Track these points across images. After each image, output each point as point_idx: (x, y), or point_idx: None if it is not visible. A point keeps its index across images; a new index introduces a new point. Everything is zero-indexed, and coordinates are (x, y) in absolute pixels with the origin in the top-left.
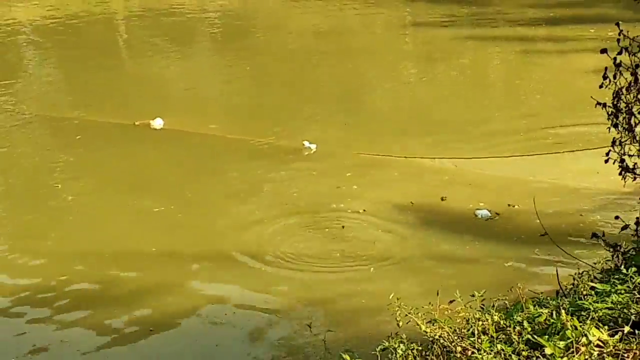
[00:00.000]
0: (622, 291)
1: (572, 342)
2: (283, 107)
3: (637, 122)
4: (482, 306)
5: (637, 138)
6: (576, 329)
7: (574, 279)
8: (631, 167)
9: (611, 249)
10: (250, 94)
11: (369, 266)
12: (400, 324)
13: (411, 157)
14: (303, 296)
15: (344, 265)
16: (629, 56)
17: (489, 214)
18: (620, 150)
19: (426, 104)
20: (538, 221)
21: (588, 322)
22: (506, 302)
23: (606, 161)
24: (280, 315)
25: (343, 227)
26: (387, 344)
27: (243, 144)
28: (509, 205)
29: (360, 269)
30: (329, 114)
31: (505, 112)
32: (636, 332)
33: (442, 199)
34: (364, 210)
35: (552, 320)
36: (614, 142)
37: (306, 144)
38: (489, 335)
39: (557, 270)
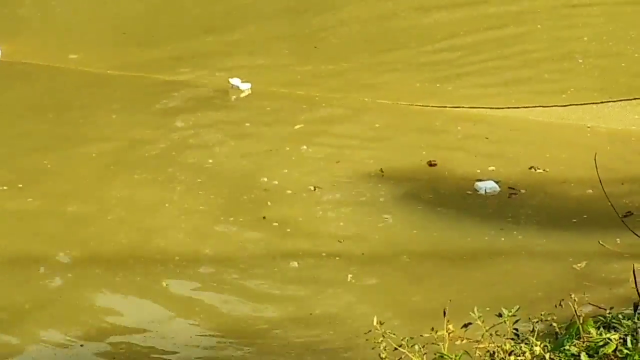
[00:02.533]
0: None
1: None
2: (194, 26)
3: None
4: (515, 331)
5: None
6: None
7: None
8: None
9: None
10: (138, 5)
11: (339, 274)
12: None
13: (391, 102)
14: (233, 328)
15: (300, 276)
16: None
17: (497, 187)
18: None
19: (414, 17)
20: (590, 191)
21: None
22: (553, 323)
23: None
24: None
25: (263, 218)
26: None
27: (128, 83)
28: (531, 168)
29: (322, 279)
30: (272, 35)
31: (545, 24)
32: None
33: (430, 164)
34: (316, 188)
35: (625, 352)
36: None
37: (234, 82)
38: None
39: (633, 271)
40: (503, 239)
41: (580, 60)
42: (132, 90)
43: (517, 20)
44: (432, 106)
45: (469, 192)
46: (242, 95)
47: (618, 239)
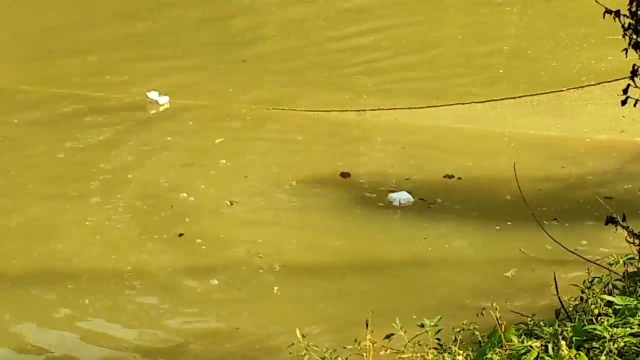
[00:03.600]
0: None
1: None
2: (110, 39)
3: None
4: (437, 341)
5: None
6: None
7: (582, 291)
8: None
9: (637, 241)
10: (49, 18)
11: (262, 288)
12: None
13: (310, 110)
14: (157, 349)
15: (222, 292)
16: None
17: (410, 198)
18: None
19: (335, 28)
20: (508, 197)
21: (603, 358)
22: (475, 332)
23: (624, 102)
24: None
25: (181, 235)
26: None
27: (47, 98)
28: (446, 176)
29: (246, 294)
30: (191, 49)
31: (460, 31)
32: None
33: (342, 176)
34: (233, 203)
35: (547, 359)
36: (635, 72)
37: (152, 96)
38: None
39: (555, 278)
40: (430, 248)
41: (501, 71)
42: (52, 106)
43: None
44: (352, 110)
45: (380, 205)
46: (161, 109)
47: (548, 246)
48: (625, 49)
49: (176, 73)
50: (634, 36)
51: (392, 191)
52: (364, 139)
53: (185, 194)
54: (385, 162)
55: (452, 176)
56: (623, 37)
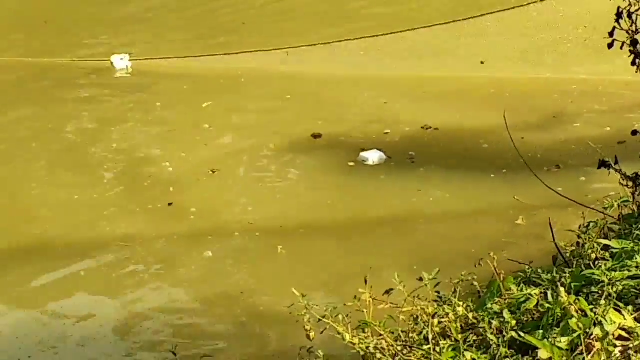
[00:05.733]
0: None
1: (579, 336)
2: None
3: None
4: (437, 293)
5: None
6: (585, 315)
7: (578, 236)
8: None
9: (630, 183)
10: None
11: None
12: (312, 334)
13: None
14: (156, 306)
15: (219, 259)
16: None
17: (383, 156)
18: (631, 26)
19: None
20: (486, 146)
21: (602, 302)
22: (474, 283)
23: (610, 45)
24: (117, 335)
25: (170, 204)
26: None
27: (27, 68)
28: (424, 127)
29: (248, 256)
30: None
31: None
32: None
33: (314, 137)
34: (215, 171)
35: (547, 306)
36: (620, 15)
37: (116, 60)
38: (452, 339)
39: (550, 224)
40: (431, 199)
41: None
42: (21, 76)
43: None
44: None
45: (351, 164)
46: (125, 72)
47: (560, 188)
48: None
49: (141, 34)
50: None
51: (364, 150)
52: (343, 95)
53: (168, 163)
54: (362, 118)
55: (430, 127)
56: None
